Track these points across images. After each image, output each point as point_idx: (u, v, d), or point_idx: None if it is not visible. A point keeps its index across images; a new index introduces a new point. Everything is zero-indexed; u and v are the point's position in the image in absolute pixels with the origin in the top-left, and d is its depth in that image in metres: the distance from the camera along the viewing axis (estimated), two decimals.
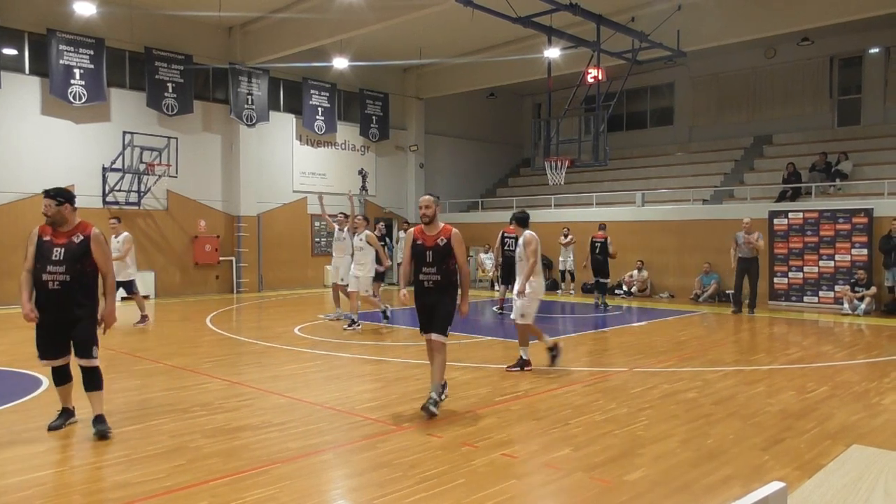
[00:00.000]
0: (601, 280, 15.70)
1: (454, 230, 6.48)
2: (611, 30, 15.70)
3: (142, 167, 17.34)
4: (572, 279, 19.39)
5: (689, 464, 4.97)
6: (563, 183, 16.36)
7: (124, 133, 17.16)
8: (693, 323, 13.32)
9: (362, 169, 23.05)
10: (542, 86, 16.66)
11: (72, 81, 16.23)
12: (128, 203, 17.49)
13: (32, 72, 16.11)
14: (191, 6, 17.17)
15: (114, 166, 17.08)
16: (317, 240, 21.74)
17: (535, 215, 21.37)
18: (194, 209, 18.83)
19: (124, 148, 17.12)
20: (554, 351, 8.63)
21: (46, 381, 7.66)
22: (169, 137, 17.70)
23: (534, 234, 8.39)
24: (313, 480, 4.73)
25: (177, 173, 17.99)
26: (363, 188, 23.02)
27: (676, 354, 9.69)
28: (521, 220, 8.61)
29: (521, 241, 8.41)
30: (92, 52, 16.51)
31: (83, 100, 16.45)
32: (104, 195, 17.06)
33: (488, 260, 21.19)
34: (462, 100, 25.24)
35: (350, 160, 22.74)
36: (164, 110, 17.98)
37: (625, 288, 18.67)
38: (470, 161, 26.63)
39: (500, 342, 10.81)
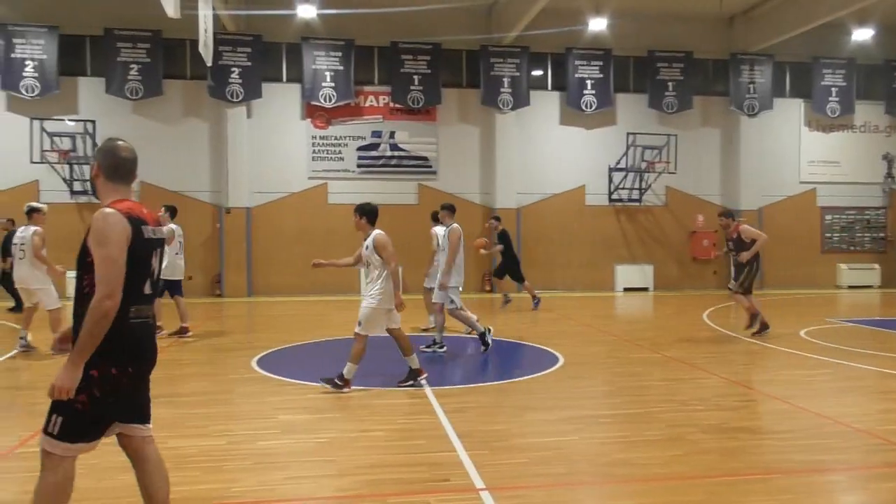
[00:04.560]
0: None
1: None
2: None
3: (643, 165, 18.23)
4: None
5: None
6: None
7: (628, 134, 18.28)
8: None
9: (888, 153, 19.72)
10: None
11: (584, 92, 18.03)
12: (630, 200, 18.59)
13: (554, 88, 18.47)
14: (692, 3, 17.25)
15: (618, 166, 18.36)
16: (827, 235, 19.53)
17: None
18: (692, 204, 18.90)
19: (628, 148, 18.25)
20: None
21: (562, 358, 8.70)
22: (668, 135, 18.18)
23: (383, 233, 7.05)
24: (818, 501, 4.29)
25: (675, 169, 18.35)
26: (889, 175, 19.69)
27: None
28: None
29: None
30: (601, 63, 18.05)
31: (594, 107, 18.11)
32: (609, 194, 18.49)
33: None
34: None
35: (869, 144, 19.70)
36: (665, 109, 18.50)
37: None
38: None
39: None
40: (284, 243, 16.79)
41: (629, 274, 18.51)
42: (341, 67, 17.04)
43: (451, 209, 9.37)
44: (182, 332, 10.33)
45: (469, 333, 9.85)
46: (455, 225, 9.12)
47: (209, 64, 15.00)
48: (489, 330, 9.13)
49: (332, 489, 4.44)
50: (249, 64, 16.63)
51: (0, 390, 7.37)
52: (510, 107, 17.71)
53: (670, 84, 18.46)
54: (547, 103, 18.35)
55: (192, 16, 12.95)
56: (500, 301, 13.94)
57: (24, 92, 15.82)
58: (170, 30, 15.43)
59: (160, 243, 3.32)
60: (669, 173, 18.36)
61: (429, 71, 17.38)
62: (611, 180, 18.48)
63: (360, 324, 6.92)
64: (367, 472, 4.64)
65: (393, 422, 5.86)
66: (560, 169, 18.28)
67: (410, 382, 7.09)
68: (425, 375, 7.15)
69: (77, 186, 16.10)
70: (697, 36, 18.68)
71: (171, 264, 10.17)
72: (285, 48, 17.28)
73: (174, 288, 10.46)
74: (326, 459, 4.94)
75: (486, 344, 8.97)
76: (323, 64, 16.96)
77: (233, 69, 16.50)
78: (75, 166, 16.06)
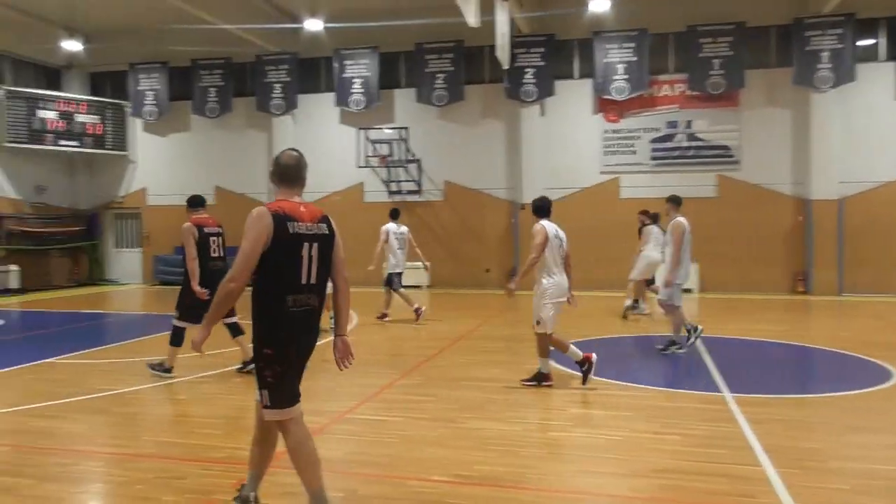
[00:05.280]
0: None
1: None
2: None
3: None
4: None
5: None
6: None
7: None
8: None
9: None
10: None
11: None
12: None
13: (888, 58, 15.82)
14: None
15: None
16: None
17: None
18: None
19: None
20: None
21: None
22: None
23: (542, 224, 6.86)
24: None
25: None
26: None
27: None
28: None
29: None
30: None
31: None
32: None
33: None
34: None
35: None
36: None
37: None
38: None
39: None
40: (580, 239, 16.76)
41: None
42: (634, 58, 16.58)
43: (675, 201, 8.94)
44: (382, 317, 11.59)
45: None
46: (679, 218, 8.62)
47: (506, 67, 15.75)
48: (678, 347, 8.50)
49: (626, 488, 4.37)
50: (543, 63, 17.05)
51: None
52: (830, 84, 15.58)
53: None
54: (879, 76, 15.76)
55: (490, 23, 13.71)
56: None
57: (352, 106, 18.17)
58: (471, 38, 16.49)
59: (316, 238, 3.65)
60: None
61: (730, 53, 16.08)
62: None
63: (537, 322, 6.86)
64: (662, 476, 4.48)
65: (690, 427, 5.57)
66: None
67: (534, 383, 6.88)
68: (551, 383, 6.89)
69: (393, 187, 18.10)
70: None
71: (398, 259, 11.50)
72: (577, 44, 17.37)
73: (396, 280, 11.56)
74: (619, 457, 4.88)
75: (664, 348, 8.54)
76: (615, 56, 16.69)
77: (527, 70, 17.07)
78: (391, 169, 18.07)
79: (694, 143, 16.59)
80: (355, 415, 6.04)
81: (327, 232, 3.73)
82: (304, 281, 3.61)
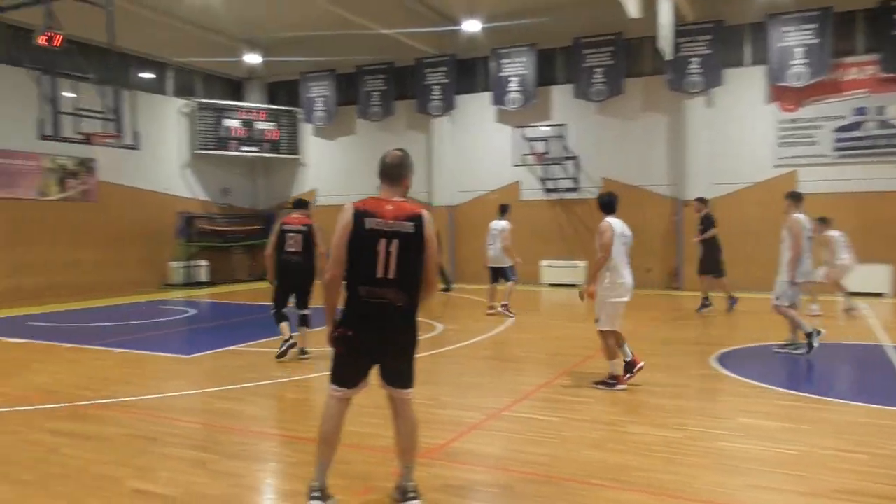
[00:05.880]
0: None
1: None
2: None
3: None
4: None
5: None
6: None
7: None
8: None
9: None
10: None
11: None
12: None
13: None
14: None
15: None
16: None
17: None
18: None
19: None
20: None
21: None
22: None
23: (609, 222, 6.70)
24: None
25: None
26: None
27: None
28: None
29: None
30: None
31: None
32: None
33: None
34: None
35: None
36: None
37: None
38: None
39: None
40: (750, 236, 15.68)
41: None
42: (815, 40, 15.14)
43: (794, 198, 8.46)
44: (504, 308, 11.95)
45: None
46: (797, 215, 8.14)
47: (669, 58, 15.06)
48: (818, 332, 8.01)
49: None
50: (709, 52, 16.08)
51: (492, 360, 8.66)
52: None
53: None
54: None
55: (651, 12, 13.16)
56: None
57: (508, 105, 18.22)
58: (631, 30, 15.97)
59: (396, 235, 3.71)
60: None
61: None
62: None
63: (597, 320, 6.75)
64: (846, 498, 4.06)
65: (881, 445, 5.00)
66: None
67: (601, 385, 6.75)
68: (622, 387, 6.65)
69: (549, 185, 17.93)
70: None
71: (499, 254, 12.02)
72: (748, 29, 16.21)
73: (503, 274, 12.15)
74: (794, 473, 4.48)
75: (810, 346, 7.96)
76: (793, 39, 15.35)
77: (692, 59, 16.19)
78: (548, 167, 17.87)
79: (887, 132, 14.91)
80: (512, 412, 6.03)
81: (412, 231, 3.77)
82: (379, 275, 3.71)
